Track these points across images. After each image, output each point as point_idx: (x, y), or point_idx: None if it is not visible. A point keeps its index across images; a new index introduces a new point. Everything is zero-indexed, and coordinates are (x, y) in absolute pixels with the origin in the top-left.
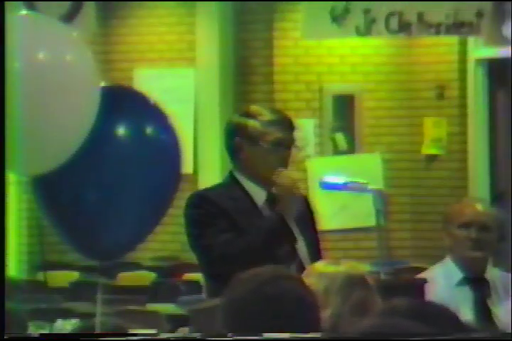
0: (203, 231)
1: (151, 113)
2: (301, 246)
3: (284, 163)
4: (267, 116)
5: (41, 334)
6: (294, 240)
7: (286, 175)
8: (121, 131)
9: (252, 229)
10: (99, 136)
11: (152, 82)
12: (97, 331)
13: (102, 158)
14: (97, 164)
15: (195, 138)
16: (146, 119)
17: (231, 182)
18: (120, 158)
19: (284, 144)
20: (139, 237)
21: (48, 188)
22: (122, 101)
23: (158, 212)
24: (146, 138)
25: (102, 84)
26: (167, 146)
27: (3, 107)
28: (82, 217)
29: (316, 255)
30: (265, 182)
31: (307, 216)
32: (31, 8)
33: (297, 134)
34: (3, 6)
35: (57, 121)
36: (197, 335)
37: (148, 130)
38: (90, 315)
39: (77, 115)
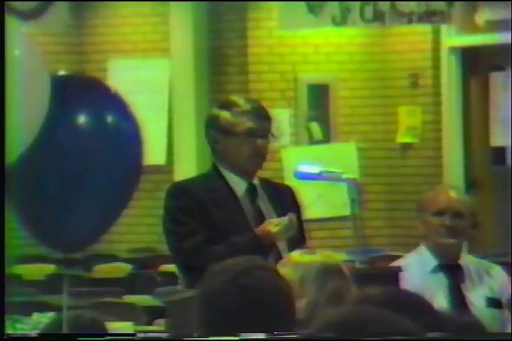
0: (178, 228)
1: (110, 102)
2: None
3: (261, 153)
4: (240, 106)
5: (41, 335)
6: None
7: (265, 227)
8: (80, 120)
9: (228, 242)
10: (59, 126)
11: (127, 73)
12: (68, 324)
13: (61, 148)
14: (57, 155)
15: (170, 129)
16: (106, 108)
17: (212, 173)
18: (80, 148)
19: (257, 134)
20: (101, 229)
21: (10, 180)
22: (81, 91)
23: (120, 202)
24: (106, 127)
25: (63, 73)
26: (127, 136)
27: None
28: (42, 209)
29: (295, 244)
30: (244, 172)
31: (290, 206)
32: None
33: (272, 124)
34: (3, 6)
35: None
36: (197, 335)
37: (108, 119)
38: (67, 308)
39: (28, 105)
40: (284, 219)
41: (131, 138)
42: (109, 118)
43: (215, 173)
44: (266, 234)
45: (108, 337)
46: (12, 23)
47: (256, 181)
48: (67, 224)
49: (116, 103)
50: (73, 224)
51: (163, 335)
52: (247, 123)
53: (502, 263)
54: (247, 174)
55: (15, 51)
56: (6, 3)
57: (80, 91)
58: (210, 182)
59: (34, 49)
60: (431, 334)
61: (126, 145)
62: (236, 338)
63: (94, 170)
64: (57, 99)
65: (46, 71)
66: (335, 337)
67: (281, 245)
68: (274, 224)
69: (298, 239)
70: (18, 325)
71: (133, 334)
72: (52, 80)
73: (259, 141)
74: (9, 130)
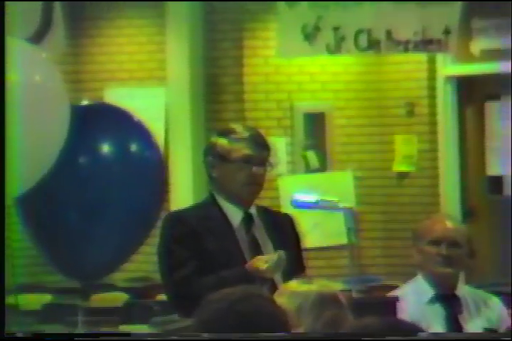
0: (169, 259)
1: (134, 130)
2: None
3: (257, 180)
4: (238, 133)
5: (41, 335)
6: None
7: (254, 264)
8: (103, 148)
9: (218, 277)
10: (81, 154)
11: (123, 102)
12: None
13: (83, 176)
14: (78, 183)
15: (167, 157)
16: (129, 136)
17: (209, 202)
18: (103, 176)
19: (254, 161)
20: (121, 258)
21: (32, 209)
22: (104, 118)
23: (142, 232)
24: (129, 155)
25: (85, 102)
26: (151, 164)
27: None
28: (64, 237)
29: (291, 274)
30: (240, 200)
31: (288, 235)
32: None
33: (270, 152)
34: (3, 6)
35: (33, 136)
36: (198, 335)
37: (132, 147)
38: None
39: (48, 131)
40: (274, 256)
41: (154, 166)
42: (133, 147)
43: (211, 202)
44: (255, 270)
45: (105, 337)
46: (31, 48)
47: (253, 210)
48: (86, 253)
49: (139, 131)
50: (93, 252)
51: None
52: (243, 150)
53: (499, 294)
54: (243, 202)
55: (36, 77)
56: (9, 27)
57: (103, 119)
58: (206, 211)
59: (55, 75)
60: (431, 335)
61: (150, 175)
62: (236, 338)
63: (116, 198)
64: (79, 126)
65: (66, 97)
66: (334, 337)
67: (276, 275)
68: (263, 261)
69: (296, 267)
70: None
71: (129, 335)
72: (74, 108)
73: (256, 169)
74: (21, 156)
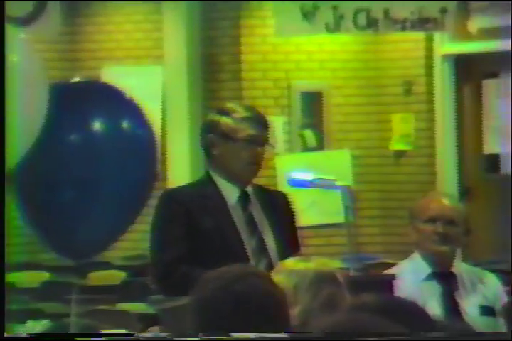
0: (159, 237)
1: (125, 107)
2: (271, 244)
3: (257, 160)
4: (240, 113)
5: (41, 335)
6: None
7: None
8: (95, 126)
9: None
10: (72, 131)
11: (119, 80)
12: (70, 331)
13: (75, 154)
14: (70, 160)
15: (164, 136)
16: (121, 114)
17: (205, 180)
18: (95, 153)
19: (257, 141)
20: (114, 236)
21: (23, 186)
22: (96, 96)
23: (134, 210)
24: (121, 132)
25: (76, 79)
26: (143, 142)
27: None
28: (56, 216)
29: (290, 252)
30: (239, 179)
31: (284, 213)
32: None
33: (270, 132)
34: (3, 6)
35: (12, 115)
36: (198, 335)
37: (124, 125)
38: (61, 315)
39: (27, 110)
40: None
41: (146, 145)
42: (125, 124)
43: (208, 180)
44: None
45: (106, 338)
46: (11, 29)
47: (249, 188)
48: (79, 231)
49: (131, 108)
50: (85, 231)
51: (163, 335)
52: (248, 130)
53: (495, 271)
54: (241, 181)
55: (14, 57)
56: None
57: (95, 97)
58: (202, 189)
59: (33, 55)
60: (430, 335)
61: (142, 152)
62: (236, 338)
63: (108, 176)
64: (71, 104)
65: (45, 76)
66: (334, 337)
67: (272, 253)
68: None
69: (291, 246)
70: (13, 332)
71: (131, 335)
72: (66, 86)
73: (259, 149)
74: (9, 133)
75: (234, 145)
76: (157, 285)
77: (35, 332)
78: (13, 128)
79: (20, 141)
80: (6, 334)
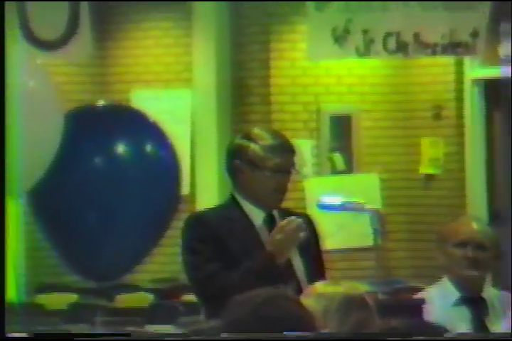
0: (193, 257)
1: (149, 131)
2: (300, 267)
3: (283, 188)
4: (267, 140)
5: (39, 335)
6: (291, 267)
7: (287, 224)
8: (119, 149)
9: (242, 267)
10: (97, 155)
11: (149, 104)
12: None
13: (99, 178)
14: (95, 184)
15: (193, 159)
16: (145, 138)
17: (230, 203)
18: (119, 177)
19: (283, 169)
20: (136, 259)
21: (47, 210)
22: (120, 120)
23: (157, 233)
24: (145, 156)
25: (101, 102)
26: (167, 166)
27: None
28: (80, 239)
29: (316, 275)
30: (264, 205)
31: (310, 236)
32: (27, 30)
33: (296, 158)
34: (3, 6)
35: (26, 140)
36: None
37: (147, 148)
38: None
39: (40, 135)
40: (290, 220)
41: (170, 168)
42: (148, 148)
43: (233, 203)
44: (273, 244)
45: (105, 337)
46: (25, 55)
47: (275, 212)
48: (102, 254)
49: (154, 132)
50: (109, 253)
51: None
52: (275, 159)
53: None
54: (267, 207)
55: (30, 82)
56: (30, 32)
57: (119, 120)
58: (228, 212)
59: (48, 81)
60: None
61: (165, 175)
62: (236, 338)
63: (132, 199)
64: (96, 127)
65: (59, 102)
66: (335, 337)
67: (301, 276)
68: (279, 231)
69: (319, 269)
70: None
71: (129, 334)
72: (91, 109)
73: (285, 177)
74: (18, 159)
75: (260, 174)
76: (199, 301)
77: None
78: (22, 152)
79: (31, 165)
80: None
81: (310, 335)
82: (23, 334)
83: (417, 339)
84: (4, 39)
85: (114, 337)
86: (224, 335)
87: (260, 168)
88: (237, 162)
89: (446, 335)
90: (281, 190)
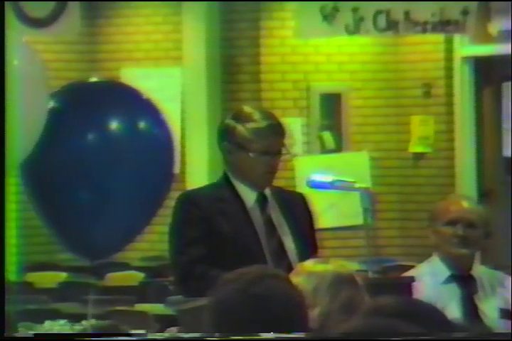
0: (177, 239)
1: (143, 107)
2: (291, 245)
3: (273, 170)
4: (256, 121)
5: (39, 335)
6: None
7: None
8: (112, 126)
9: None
10: (89, 130)
11: (139, 82)
12: (90, 331)
13: (92, 154)
14: (87, 160)
15: (183, 138)
16: (139, 114)
17: (223, 183)
18: (112, 154)
19: (272, 151)
20: (129, 236)
21: (42, 189)
22: (113, 96)
23: (150, 211)
24: (138, 132)
25: (92, 79)
26: (160, 142)
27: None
28: (73, 216)
29: (307, 254)
30: (255, 186)
31: (302, 214)
32: (16, 8)
33: (286, 140)
34: (3, 6)
35: (13, 117)
36: (197, 335)
37: (141, 124)
38: (79, 316)
39: (28, 112)
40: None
41: (163, 144)
42: (142, 124)
43: (226, 183)
44: None
45: (105, 338)
46: (14, 33)
47: (267, 190)
48: (95, 232)
49: (148, 108)
50: (102, 231)
51: (163, 335)
52: (263, 142)
53: None
54: (258, 187)
55: (14, 60)
56: (19, 10)
57: (112, 97)
58: (220, 191)
59: (34, 58)
60: (431, 335)
61: (159, 152)
62: (236, 338)
63: (125, 176)
64: (88, 103)
65: (46, 79)
66: (335, 337)
67: (291, 254)
68: None
69: (310, 247)
70: (31, 332)
71: (130, 334)
72: (84, 86)
73: (274, 159)
74: (10, 135)
75: (248, 156)
76: (177, 286)
77: (53, 332)
78: (14, 130)
79: (20, 142)
80: (6, 334)
81: (309, 335)
82: (23, 335)
83: (417, 339)
84: (4, 39)
85: (115, 337)
86: (223, 335)
87: (247, 151)
88: (225, 144)
89: (446, 335)
90: (271, 171)
